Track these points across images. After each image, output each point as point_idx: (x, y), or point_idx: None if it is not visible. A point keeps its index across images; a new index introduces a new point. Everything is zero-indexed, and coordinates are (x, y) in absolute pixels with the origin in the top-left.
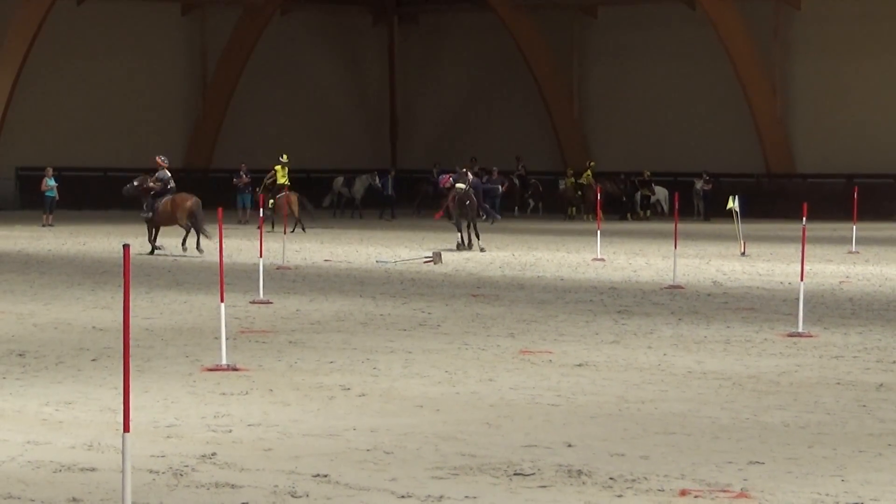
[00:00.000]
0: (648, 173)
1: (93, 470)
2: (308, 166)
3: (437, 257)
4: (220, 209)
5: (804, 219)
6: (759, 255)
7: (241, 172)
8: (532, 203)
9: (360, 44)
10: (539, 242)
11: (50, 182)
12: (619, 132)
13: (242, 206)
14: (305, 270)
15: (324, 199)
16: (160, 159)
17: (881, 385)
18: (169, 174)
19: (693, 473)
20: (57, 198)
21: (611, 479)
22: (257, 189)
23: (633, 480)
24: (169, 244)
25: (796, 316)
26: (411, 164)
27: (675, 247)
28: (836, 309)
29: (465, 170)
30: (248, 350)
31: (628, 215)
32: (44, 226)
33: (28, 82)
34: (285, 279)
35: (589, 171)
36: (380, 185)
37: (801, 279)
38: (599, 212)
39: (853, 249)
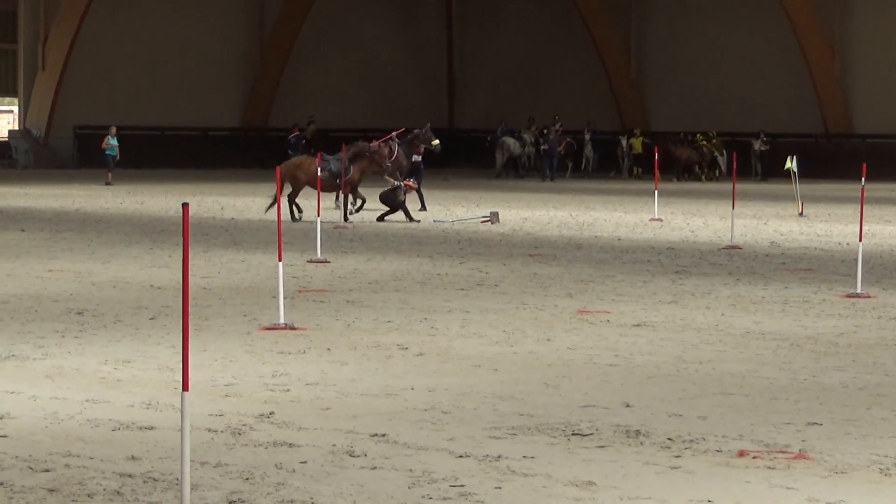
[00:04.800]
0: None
1: (151, 428)
2: (364, 125)
3: (494, 217)
4: (277, 168)
5: (863, 179)
6: (817, 215)
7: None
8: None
9: (417, 2)
10: (596, 202)
11: (112, 141)
12: (676, 92)
13: None
14: (363, 230)
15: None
16: None
17: None
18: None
19: (751, 434)
20: (117, 157)
21: (669, 439)
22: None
23: (692, 441)
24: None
25: (854, 277)
26: (468, 124)
27: (733, 207)
28: (894, 270)
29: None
30: (306, 309)
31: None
32: (107, 184)
33: (86, 41)
34: (343, 238)
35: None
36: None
37: (860, 240)
38: (657, 172)
39: None
